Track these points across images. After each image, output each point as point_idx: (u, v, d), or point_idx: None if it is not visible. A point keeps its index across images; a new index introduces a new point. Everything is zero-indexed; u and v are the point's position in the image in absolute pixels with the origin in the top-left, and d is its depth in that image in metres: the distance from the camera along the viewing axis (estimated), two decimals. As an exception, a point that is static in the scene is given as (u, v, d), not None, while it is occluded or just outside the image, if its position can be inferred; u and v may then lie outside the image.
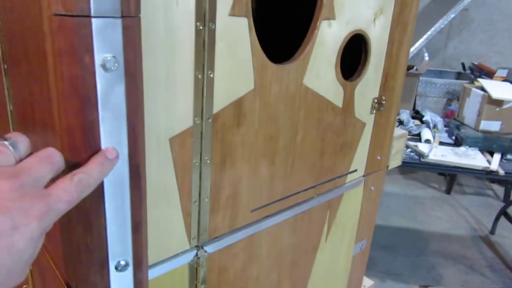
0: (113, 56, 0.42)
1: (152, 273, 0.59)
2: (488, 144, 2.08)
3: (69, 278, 0.54)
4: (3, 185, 0.34)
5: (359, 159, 0.85)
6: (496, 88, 2.16)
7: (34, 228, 0.33)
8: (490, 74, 3.05)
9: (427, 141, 2.11)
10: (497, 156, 2.05)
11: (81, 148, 0.44)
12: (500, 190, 3.22)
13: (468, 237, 2.67)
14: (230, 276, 0.69)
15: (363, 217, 0.92)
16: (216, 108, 0.57)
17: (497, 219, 2.69)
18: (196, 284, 0.65)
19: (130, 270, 0.52)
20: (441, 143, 2.16)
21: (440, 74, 3.12)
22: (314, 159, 0.75)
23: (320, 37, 0.66)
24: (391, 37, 0.79)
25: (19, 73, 0.55)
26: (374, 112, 0.82)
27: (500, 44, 3.29)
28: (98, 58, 0.41)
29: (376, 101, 0.82)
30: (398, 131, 0.93)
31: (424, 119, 2.34)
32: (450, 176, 3.15)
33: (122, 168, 0.47)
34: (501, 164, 1.99)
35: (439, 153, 2.06)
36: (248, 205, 0.68)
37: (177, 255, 0.61)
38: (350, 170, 0.84)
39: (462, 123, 2.24)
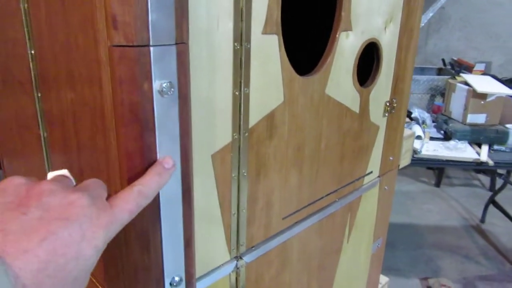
0: (169, 82, 0.44)
1: (198, 286, 0.60)
2: (475, 136, 2.15)
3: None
4: (72, 196, 0.35)
5: (374, 161, 0.88)
6: (479, 82, 2.24)
7: (100, 237, 0.34)
8: (469, 69, 3.15)
9: (418, 137, 2.17)
10: (485, 148, 2.12)
11: (140, 172, 0.45)
12: (486, 179, 3.33)
13: (461, 227, 2.75)
14: (265, 283, 0.71)
15: (379, 217, 0.96)
16: (252, 122, 0.59)
17: (486, 208, 2.78)
18: (237, 295, 0.66)
19: (183, 286, 0.53)
20: (431, 138, 2.23)
21: (422, 71, 3.21)
22: (335, 164, 0.78)
23: (340, 48, 0.69)
24: (399, 43, 0.82)
25: (59, 100, 0.56)
26: (387, 115, 0.86)
27: (477, 40, 3.41)
28: (156, 84, 0.43)
29: (388, 104, 0.85)
30: (406, 131, 0.97)
31: (412, 116, 2.41)
32: (439, 170, 3.24)
33: (176, 187, 0.49)
34: (489, 155, 2.06)
35: (431, 148, 2.12)
36: (280, 213, 0.70)
37: (218, 268, 0.63)
38: (367, 172, 0.87)
39: (450, 118, 2.31)
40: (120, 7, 0.40)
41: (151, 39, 0.41)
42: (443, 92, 3.09)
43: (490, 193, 2.96)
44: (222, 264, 0.63)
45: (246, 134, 0.59)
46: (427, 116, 2.39)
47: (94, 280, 0.61)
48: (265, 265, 0.70)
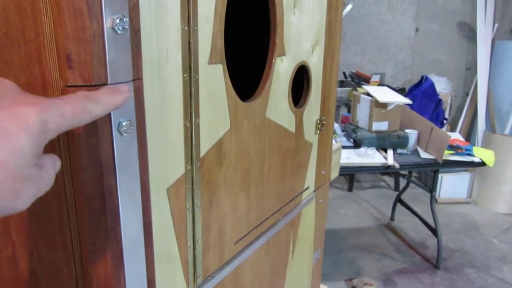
0: (129, 120, 0.42)
1: (159, 328, 0.57)
2: (381, 142, 2.35)
3: None
4: None
5: (310, 177, 0.92)
6: (379, 93, 2.46)
7: (31, 116, 0.29)
8: (366, 80, 3.45)
9: (332, 147, 2.31)
10: (390, 152, 2.33)
11: (100, 216, 0.43)
12: (390, 180, 3.65)
13: (374, 227, 2.97)
14: (222, 312, 0.70)
15: (317, 228, 1.00)
16: (203, 151, 0.59)
17: (394, 207, 3.04)
18: (196, 328, 0.64)
19: (148, 331, 0.51)
20: (343, 147, 2.38)
21: (327, 84, 3.43)
22: (278, 184, 0.80)
23: (276, 72, 0.72)
24: (324, 65, 0.88)
25: None
26: (318, 132, 0.91)
27: (370, 53, 3.75)
28: (115, 123, 0.41)
29: (318, 122, 0.90)
30: (334, 145, 1.03)
31: (324, 127, 2.55)
32: (350, 175, 3.47)
33: (137, 227, 0.47)
34: (394, 158, 2.27)
35: (344, 156, 2.26)
36: (232, 238, 0.70)
37: (178, 303, 0.61)
38: (304, 188, 0.91)
39: (357, 127, 2.50)
40: (75, 45, 0.37)
41: (109, 77, 0.39)
42: (347, 103, 3.33)
43: (396, 193, 3.24)
44: (181, 300, 0.61)
45: (198, 164, 0.59)
46: (337, 127, 2.56)
47: None
48: (221, 294, 0.70)
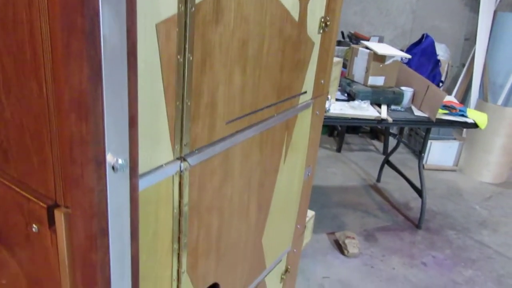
0: None
1: (140, 184, 0.52)
2: (376, 97, 2.30)
3: (54, 187, 0.46)
4: None
5: (308, 81, 0.87)
6: (378, 47, 2.40)
7: None
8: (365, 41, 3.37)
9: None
10: (384, 107, 2.29)
11: (76, 15, 0.36)
12: (379, 145, 3.63)
13: (360, 187, 2.96)
14: (208, 194, 0.66)
15: (311, 141, 0.95)
16: (199, -3, 0.53)
17: (381, 168, 3.03)
18: (180, 202, 0.60)
19: (127, 172, 0.45)
20: (337, 100, 2.33)
21: (324, 42, 3.35)
22: (276, 74, 0.74)
23: None
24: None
25: None
26: (321, 32, 0.85)
27: (370, 15, 3.66)
28: None
29: (322, 20, 0.84)
30: (335, 59, 0.97)
31: (319, 79, 2.50)
32: (339, 137, 3.44)
33: (120, 39, 0.40)
34: (388, 113, 2.23)
35: (337, 107, 2.21)
36: (224, 116, 0.65)
37: (162, 167, 0.55)
38: (302, 91, 0.85)
39: (353, 81, 2.44)
40: None
41: None
42: (344, 63, 3.25)
43: (383, 157, 3.22)
44: (166, 164, 0.56)
45: (193, 9, 0.52)
46: (332, 80, 2.50)
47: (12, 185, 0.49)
48: (208, 174, 0.65)
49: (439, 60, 2.95)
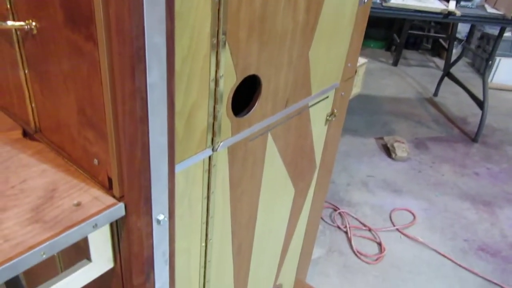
0: None
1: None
2: (444, -10, 2.09)
3: None
4: None
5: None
6: None
7: None
8: None
9: (388, -12, 2.08)
10: (453, 2, 2.08)
11: None
12: (440, 62, 3.39)
13: (415, 99, 2.81)
14: None
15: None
16: None
17: (440, 82, 2.84)
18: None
19: None
20: (400, -8, 2.14)
21: None
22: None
23: None
24: None
25: None
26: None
27: None
28: None
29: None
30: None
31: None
32: (397, 51, 3.23)
33: None
34: (457, 8, 2.03)
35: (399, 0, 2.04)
36: None
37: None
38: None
39: (420, -27, 2.22)
40: None
41: None
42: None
43: (443, 73, 3.01)
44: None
45: None
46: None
47: None
48: None
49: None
